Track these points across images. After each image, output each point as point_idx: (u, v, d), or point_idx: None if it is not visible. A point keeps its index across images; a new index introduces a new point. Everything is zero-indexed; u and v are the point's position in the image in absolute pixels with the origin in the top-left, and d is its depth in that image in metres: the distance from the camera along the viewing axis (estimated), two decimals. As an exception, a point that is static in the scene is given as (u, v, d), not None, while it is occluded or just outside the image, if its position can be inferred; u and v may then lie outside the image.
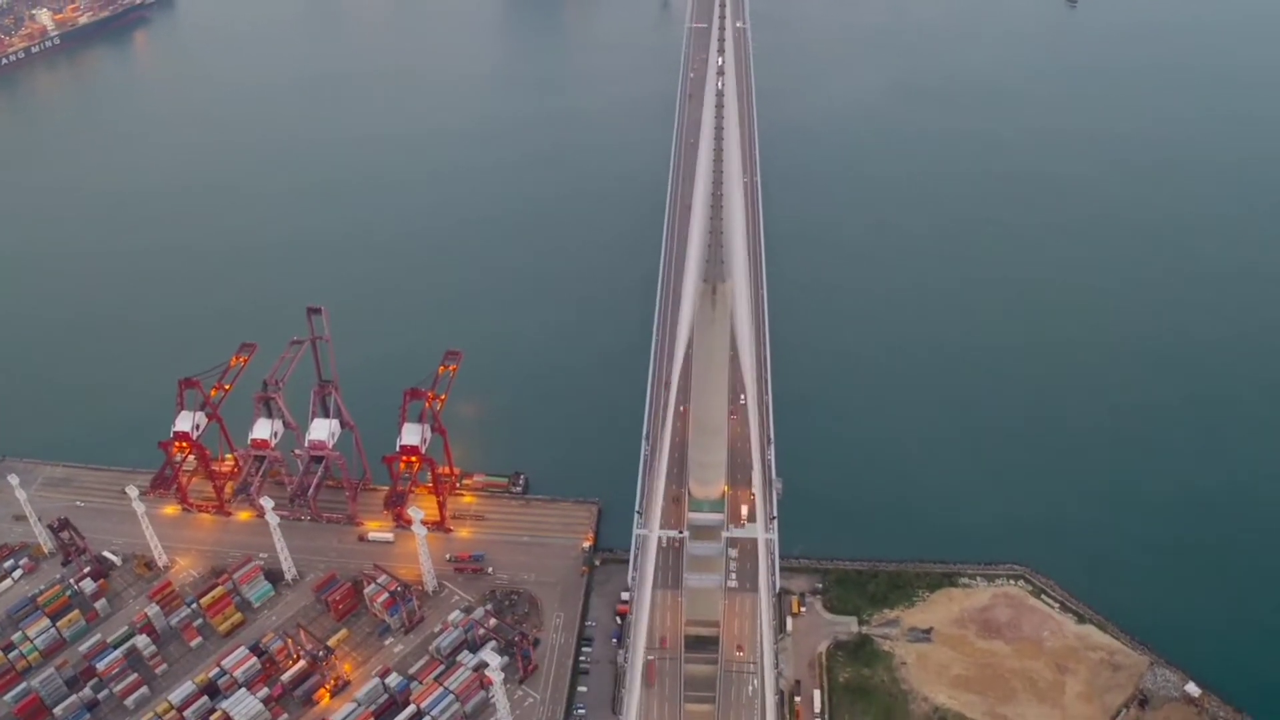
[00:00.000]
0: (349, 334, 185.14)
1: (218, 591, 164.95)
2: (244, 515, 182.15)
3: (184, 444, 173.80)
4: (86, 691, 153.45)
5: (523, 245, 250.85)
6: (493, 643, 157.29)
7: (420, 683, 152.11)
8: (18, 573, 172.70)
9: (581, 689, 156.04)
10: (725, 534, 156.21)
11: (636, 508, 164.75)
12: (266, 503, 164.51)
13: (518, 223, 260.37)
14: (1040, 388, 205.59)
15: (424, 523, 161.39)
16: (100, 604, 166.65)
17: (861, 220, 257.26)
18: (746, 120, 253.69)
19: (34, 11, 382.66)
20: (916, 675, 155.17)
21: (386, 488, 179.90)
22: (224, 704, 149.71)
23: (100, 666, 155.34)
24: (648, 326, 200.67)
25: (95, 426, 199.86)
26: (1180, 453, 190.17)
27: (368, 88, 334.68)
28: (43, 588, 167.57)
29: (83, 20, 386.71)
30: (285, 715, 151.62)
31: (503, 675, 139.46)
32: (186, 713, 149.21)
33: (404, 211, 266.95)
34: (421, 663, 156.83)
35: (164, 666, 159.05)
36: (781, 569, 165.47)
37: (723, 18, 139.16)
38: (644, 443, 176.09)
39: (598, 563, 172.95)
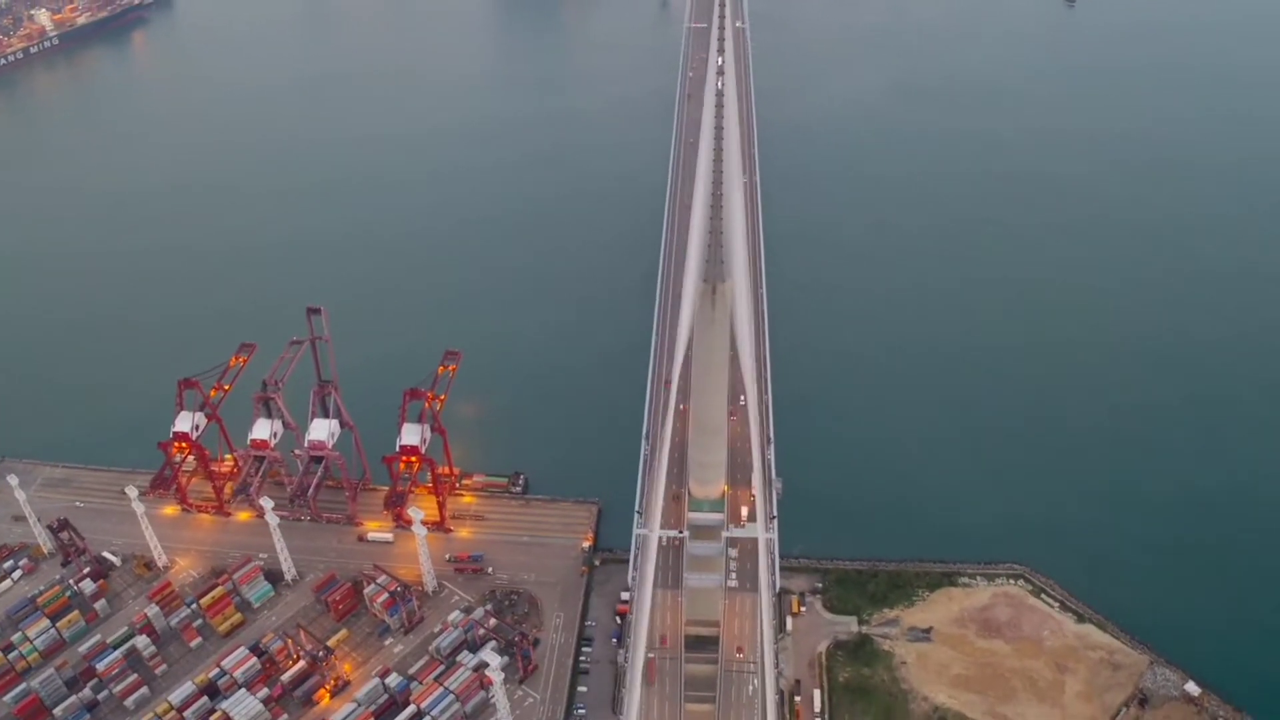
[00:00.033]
0: (349, 334, 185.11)
1: (217, 592, 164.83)
2: (244, 515, 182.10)
3: (183, 444, 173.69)
4: (86, 692, 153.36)
5: (522, 245, 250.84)
6: (493, 643, 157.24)
7: (420, 683, 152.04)
8: (17, 573, 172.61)
9: (581, 689, 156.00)
10: (725, 534, 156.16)
11: (636, 508, 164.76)
12: (266, 503, 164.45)
13: (517, 223, 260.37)
14: (1040, 388, 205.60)
15: (424, 523, 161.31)
16: (100, 604, 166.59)
17: (861, 220, 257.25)
18: (746, 120, 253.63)
19: (32, 12, 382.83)
20: (916, 675, 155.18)
21: (386, 488, 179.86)
22: (224, 704, 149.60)
23: (100, 667, 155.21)
24: (647, 326, 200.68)
25: (95, 427, 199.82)
26: (1180, 453, 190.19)
27: (366, 88, 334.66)
28: (42, 588, 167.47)
29: (81, 21, 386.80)
30: (285, 715, 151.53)
31: (503, 675, 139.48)
32: (186, 713, 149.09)
33: (403, 211, 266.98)
34: (421, 663, 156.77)
35: (164, 667, 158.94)
36: (781, 569, 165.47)
37: (722, 17, 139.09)
38: (644, 442, 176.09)
39: (597, 563, 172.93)
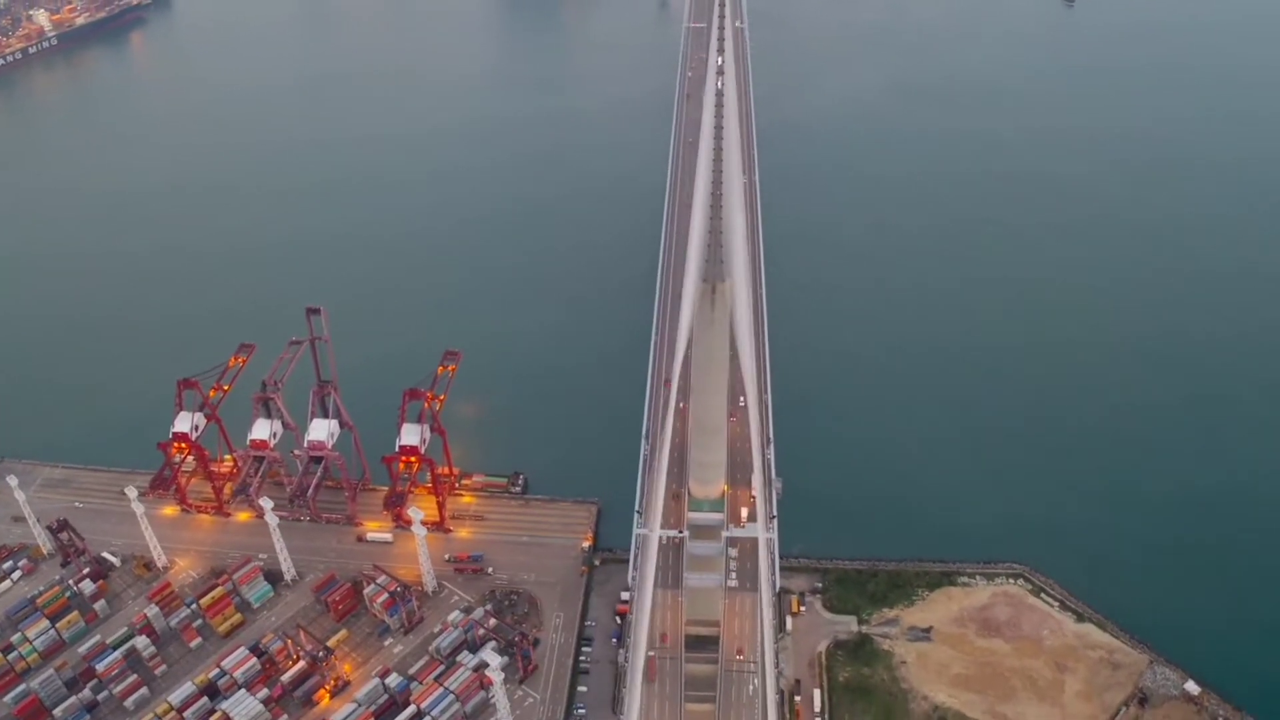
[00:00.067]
0: (348, 334, 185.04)
1: (217, 592, 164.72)
2: (243, 516, 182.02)
3: (183, 445, 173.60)
4: (86, 693, 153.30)
5: (521, 245, 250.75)
6: (493, 643, 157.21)
7: (420, 683, 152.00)
8: (17, 574, 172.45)
9: (581, 689, 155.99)
10: (725, 533, 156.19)
11: (636, 507, 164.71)
12: (266, 503, 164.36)
13: (516, 223, 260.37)
14: (1040, 388, 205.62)
15: (423, 523, 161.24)
16: (99, 605, 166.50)
17: (861, 220, 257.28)
18: (745, 120, 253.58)
19: (31, 12, 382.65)
20: (916, 674, 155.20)
21: (386, 488, 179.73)
22: (224, 705, 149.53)
23: (100, 668, 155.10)
24: (647, 326, 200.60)
25: (94, 427, 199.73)
26: (1180, 452, 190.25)
27: (365, 88, 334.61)
28: (42, 589, 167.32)
29: (80, 21, 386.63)
30: (285, 716, 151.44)
31: (503, 675, 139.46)
32: (186, 714, 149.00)
33: (403, 211, 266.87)
34: (421, 663, 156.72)
35: (163, 667, 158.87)
36: (781, 568, 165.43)
37: (722, 17, 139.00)
38: (643, 442, 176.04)
39: (597, 563, 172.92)
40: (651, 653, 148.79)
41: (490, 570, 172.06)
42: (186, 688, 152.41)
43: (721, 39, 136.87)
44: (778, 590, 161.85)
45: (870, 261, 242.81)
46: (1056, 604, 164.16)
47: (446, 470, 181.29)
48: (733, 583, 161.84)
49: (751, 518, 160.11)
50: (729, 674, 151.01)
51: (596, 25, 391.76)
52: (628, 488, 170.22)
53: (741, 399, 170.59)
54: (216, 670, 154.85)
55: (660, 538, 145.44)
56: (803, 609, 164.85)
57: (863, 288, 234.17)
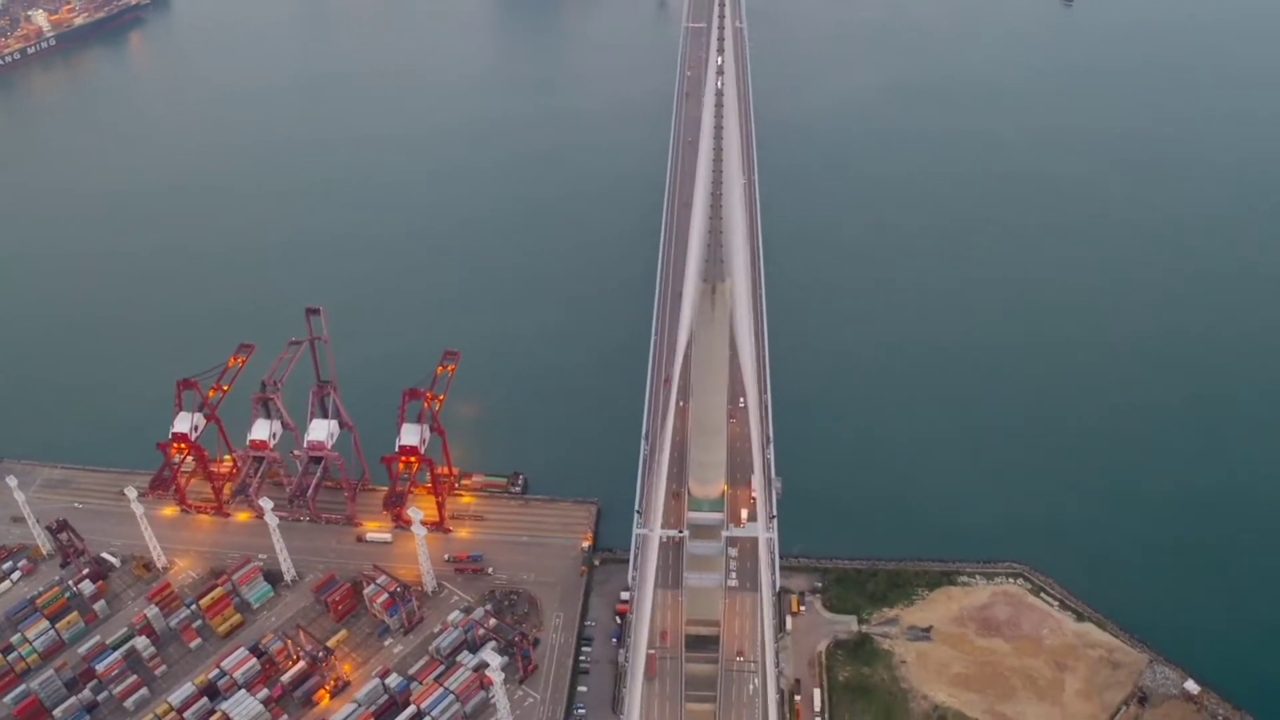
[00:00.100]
0: (347, 334, 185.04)
1: (217, 593, 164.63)
2: (243, 516, 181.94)
3: (182, 445, 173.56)
4: (86, 693, 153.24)
5: (520, 245, 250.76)
6: (493, 643, 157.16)
7: (420, 683, 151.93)
8: (16, 574, 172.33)
9: (581, 689, 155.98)
10: (725, 533, 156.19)
11: (636, 507, 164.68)
12: (265, 504, 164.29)
13: (515, 223, 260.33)
14: (1040, 387, 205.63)
15: (423, 523, 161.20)
16: (99, 605, 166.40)
17: (860, 220, 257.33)
18: (745, 120, 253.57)
19: (30, 13, 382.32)
20: (916, 674, 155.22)
21: (385, 488, 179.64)
22: (224, 705, 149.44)
23: (99, 668, 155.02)
24: (646, 326, 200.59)
25: (93, 428, 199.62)
26: (1179, 452, 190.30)
27: (364, 88, 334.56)
28: (41, 589, 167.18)
29: (78, 21, 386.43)
30: (285, 716, 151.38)
31: (503, 675, 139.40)
32: (186, 714, 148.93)
33: (403, 211, 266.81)
34: (421, 663, 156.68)
35: (163, 668, 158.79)
36: (781, 568, 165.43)
37: (722, 16, 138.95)
38: (643, 442, 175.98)
39: (597, 562, 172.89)
40: (652, 650, 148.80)
41: (490, 570, 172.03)
42: (186, 688, 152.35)
43: (721, 39, 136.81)
44: (778, 590, 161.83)
45: (870, 261, 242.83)
46: (1056, 603, 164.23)
47: (446, 470, 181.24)
48: (733, 582, 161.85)
49: (751, 517, 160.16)
50: (729, 674, 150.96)
51: (595, 25, 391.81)
52: (627, 488, 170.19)
53: (741, 399, 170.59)
54: (216, 671, 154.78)
55: (660, 537, 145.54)
56: (803, 608, 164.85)
57: (863, 288, 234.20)
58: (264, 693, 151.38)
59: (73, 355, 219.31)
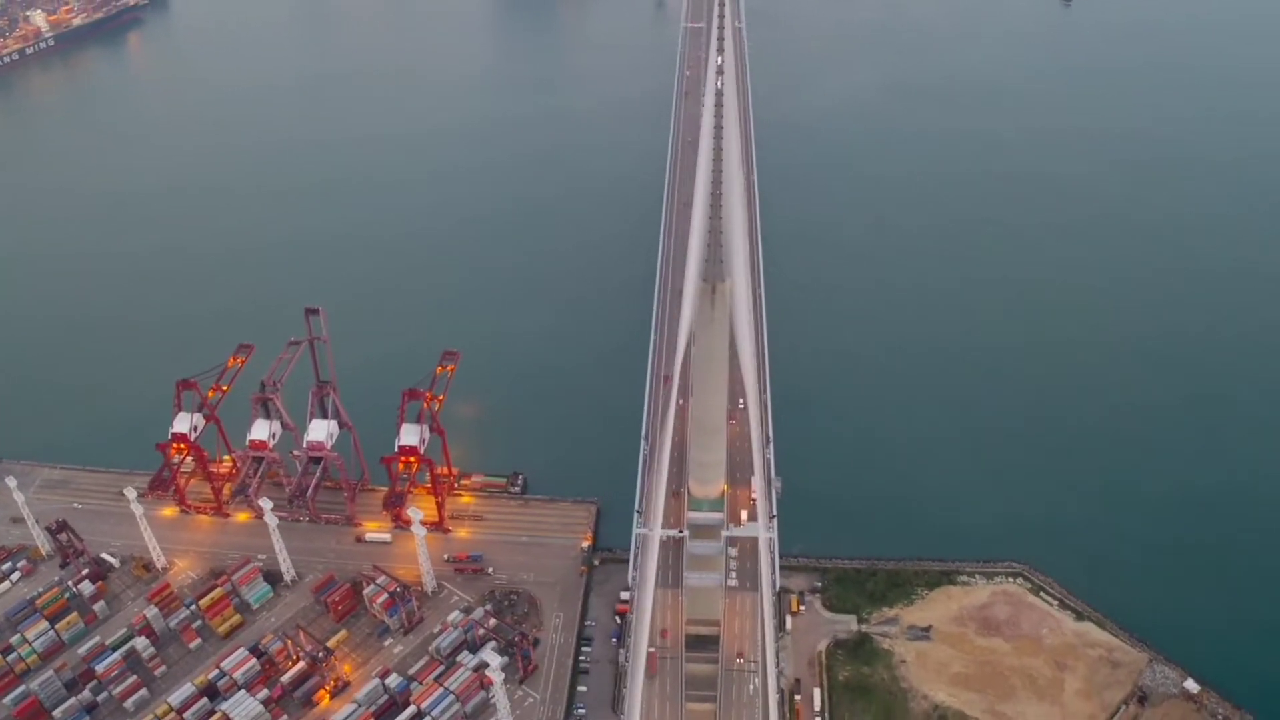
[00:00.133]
0: (347, 334, 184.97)
1: (216, 593, 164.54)
2: (242, 516, 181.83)
3: (182, 445, 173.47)
4: (85, 694, 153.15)
5: (519, 245, 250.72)
6: (492, 643, 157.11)
7: (420, 683, 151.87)
8: (16, 575, 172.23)
9: (581, 689, 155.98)
10: (725, 533, 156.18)
11: (636, 507, 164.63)
12: (265, 504, 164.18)
13: (515, 222, 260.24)
14: (1040, 387, 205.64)
15: (423, 523, 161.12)
16: (99, 606, 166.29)
17: (860, 220, 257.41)
18: (744, 119, 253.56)
19: (28, 13, 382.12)
20: (916, 673, 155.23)
21: (385, 488, 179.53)
22: (223, 705, 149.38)
23: (99, 669, 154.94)
24: (646, 326, 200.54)
25: (93, 428, 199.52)
26: (1179, 452, 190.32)
27: (363, 88, 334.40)
28: (41, 590, 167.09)
29: (77, 22, 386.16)
30: (285, 716, 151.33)
31: (503, 675, 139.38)
32: (186, 715, 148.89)
33: (402, 211, 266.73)
34: (421, 663, 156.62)
35: (163, 668, 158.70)
36: (781, 568, 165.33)
37: (721, 16, 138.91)
38: (643, 442, 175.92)
39: (597, 562, 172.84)
40: (652, 648, 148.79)
41: (490, 570, 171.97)
42: (186, 689, 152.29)
43: (721, 38, 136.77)
44: (778, 589, 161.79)
45: (870, 261, 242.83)
46: (1056, 603, 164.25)
47: (446, 470, 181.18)
48: (733, 582, 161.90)
49: (751, 517, 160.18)
50: (729, 673, 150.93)
51: (594, 25, 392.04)
52: (627, 487, 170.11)
53: (741, 399, 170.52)
54: (216, 671, 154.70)
55: (660, 537, 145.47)
56: (802, 608, 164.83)
57: (863, 288, 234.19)
58: (264, 693, 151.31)
59: (72, 355, 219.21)
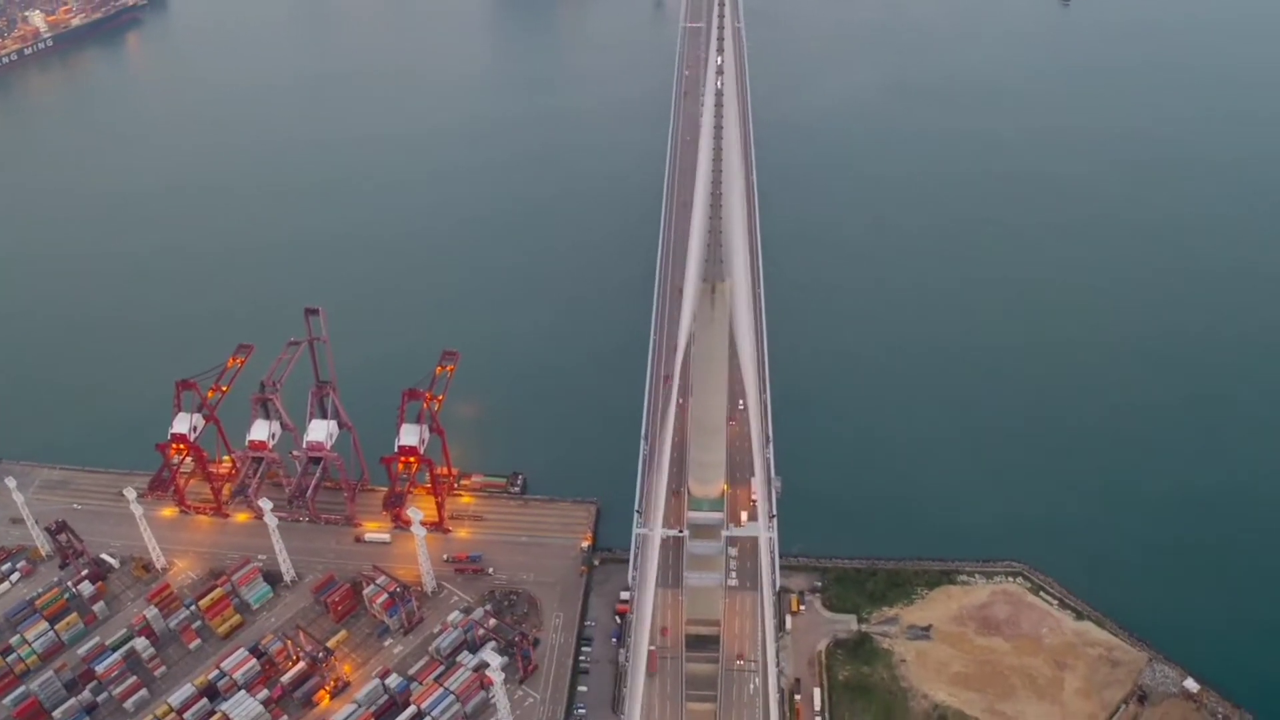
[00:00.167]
0: (346, 335, 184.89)
1: (216, 593, 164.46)
2: (242, 517, 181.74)
3: (181, 446, 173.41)
4: (85, 694, 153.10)
5: (519, 245, 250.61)
6: (492, 643, 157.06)
7: (420, 683, 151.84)
8: (15, 576, 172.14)
9: (581, 689, 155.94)
10: (725, 533, 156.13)
11: (636, 507, 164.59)
12: (265, 504, 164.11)
13: (514, 222, 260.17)
14: (1040, 387, 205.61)
15: (422, 523, 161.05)
16: (98, 606, 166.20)
17: (860, 220, 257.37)
18: (744, 119, 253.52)
19: (26, 13, 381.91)
20: (916, 673, 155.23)
21: (385, 489, 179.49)
22: (223, 706, 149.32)
23: (99, 669, 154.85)
24: (645, 326, 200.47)
25: (92, 428, 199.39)
26: (1179, 452, 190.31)
27: (362, 88, 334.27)
28: (41, 590, 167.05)
29: (75, 22, 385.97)
30: (285, 717, 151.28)
31: (503, 675, 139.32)
32: (186, 715, 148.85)
33: (401, 211, 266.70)
34: (421, 663, 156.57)
35: (163, 669, 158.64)
36: (781, 567, 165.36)
37: (721, 16, 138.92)
38: (642, 442, 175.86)
39: (597, 562, 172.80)
40: (653, 647, 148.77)
41: (490, 570, 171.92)
42: (186, 689, 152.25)
43: (721, 38, 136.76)
44: (778, 589, 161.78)
45: (870, 261, 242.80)
46: (1055, 602, 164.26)
47: (445, 470, 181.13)
48: (733, 582, 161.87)
49: (751, 517, 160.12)
50: (729, 673, 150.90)
51: (593, 25, 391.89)
52: (627, 487, 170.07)
53: (741, 399, 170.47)
54: (216, 671, 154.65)
55: (660, 537, 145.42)
56: (802, 608, 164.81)
57: (863, 288, 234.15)
58: (264, 693, 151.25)
59: (72, 356, 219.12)
